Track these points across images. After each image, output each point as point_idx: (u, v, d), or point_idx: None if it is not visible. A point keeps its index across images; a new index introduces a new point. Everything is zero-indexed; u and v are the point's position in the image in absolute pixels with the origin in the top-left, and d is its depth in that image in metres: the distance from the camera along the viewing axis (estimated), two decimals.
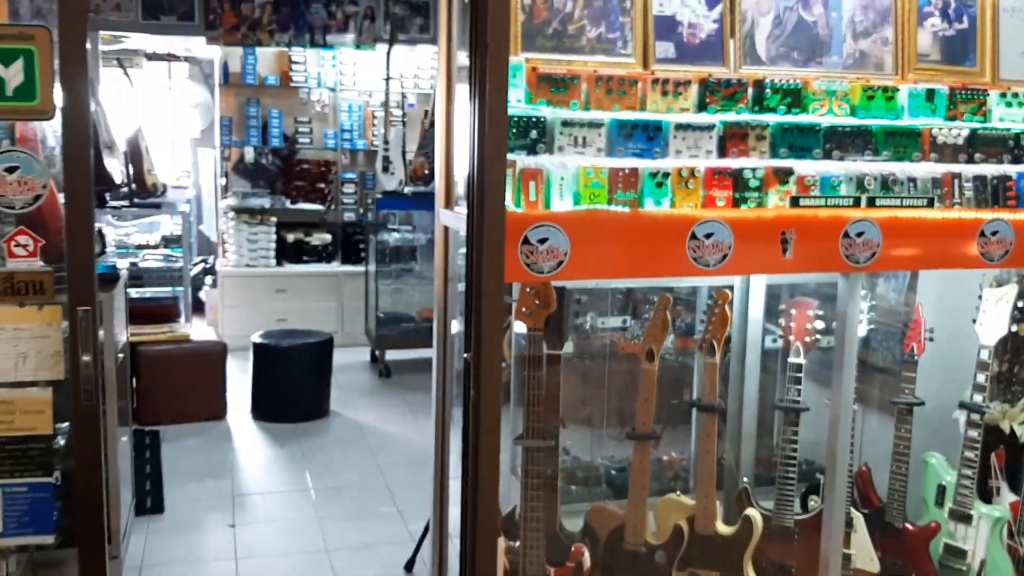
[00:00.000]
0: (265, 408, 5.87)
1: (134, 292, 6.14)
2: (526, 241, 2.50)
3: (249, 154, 7.87)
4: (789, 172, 2.72)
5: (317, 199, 8.09)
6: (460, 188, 3.03)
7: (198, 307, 8.35)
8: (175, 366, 5.69)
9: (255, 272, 7.67)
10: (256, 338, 5.92)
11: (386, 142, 7.04)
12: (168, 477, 4.64)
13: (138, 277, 6.34)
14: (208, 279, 8.44)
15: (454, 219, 2.97)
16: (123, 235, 6.74)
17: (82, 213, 2.22)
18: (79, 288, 2.24)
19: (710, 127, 2.78)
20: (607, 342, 3.61)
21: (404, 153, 7.07)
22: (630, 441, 3.09)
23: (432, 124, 7.01)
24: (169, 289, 6.69)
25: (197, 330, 6.23)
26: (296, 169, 8.10)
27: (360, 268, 7.82)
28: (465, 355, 2.51)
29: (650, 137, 2.73)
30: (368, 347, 7.51)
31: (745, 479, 3.36)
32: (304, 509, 4.52)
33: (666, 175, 2.67)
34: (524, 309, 2.78)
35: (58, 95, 2.23)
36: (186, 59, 8.79)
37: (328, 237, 7.99)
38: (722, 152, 2.79)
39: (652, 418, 3.06)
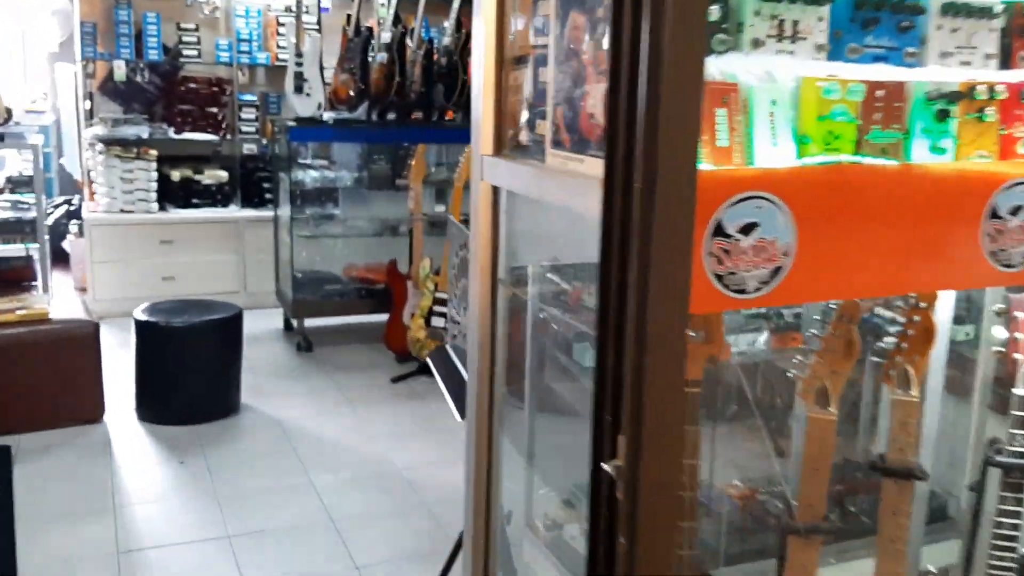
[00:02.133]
0: (154, 406, 4.48)
1: None
2: (719, 231, 1.24)
3: (120, 70, 6.27)
4: None
5: (208, 127, 6.56)
6: (534, 125, 1.75)
7: (61, 259, 6.78)
8: (31, 356, 4.23)
9: (132, 219, 6.15)
10: (140, 314, 4.48)
11: (299, 55, 5.57)
12: (22, 522, 3.24)
13: None
14: (73, 225, 6.86)
15: (530, 177, 1.66)
16: None
17: None
18: None
19: (991, 12, 1.55)
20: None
21: (322, 69, 5.62)
22: (787, 535, 1.90)
23: (357, 32, 5.57)
24: (20, 246, 5.18)
25: (59, 303, 4.75)
26: (180, 89, 6.54)
27: (265, 213, 6.37)
28: (606, 465, 1.26)
29: (903, 27, 1.49)
30: (280, 311, 6.13)
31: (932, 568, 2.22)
32: (221, 569, 3.21)
33: (955, 97, 1.43)
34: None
35: None
36: None
37: (224, 175, 6.50)
38: (1007, 59, 1.58)
39: (824, 499, 1.88)
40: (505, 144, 1.72)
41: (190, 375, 4.43)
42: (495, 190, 1.74)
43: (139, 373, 4.49)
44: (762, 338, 2.39)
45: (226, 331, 4.52)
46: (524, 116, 1.61)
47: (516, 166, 1.63)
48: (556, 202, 1.48)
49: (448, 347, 2.63)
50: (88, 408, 4.40)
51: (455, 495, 3.78)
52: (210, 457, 4.08)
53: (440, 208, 6.25)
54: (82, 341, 4.34)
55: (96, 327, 4.39)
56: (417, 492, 3.81)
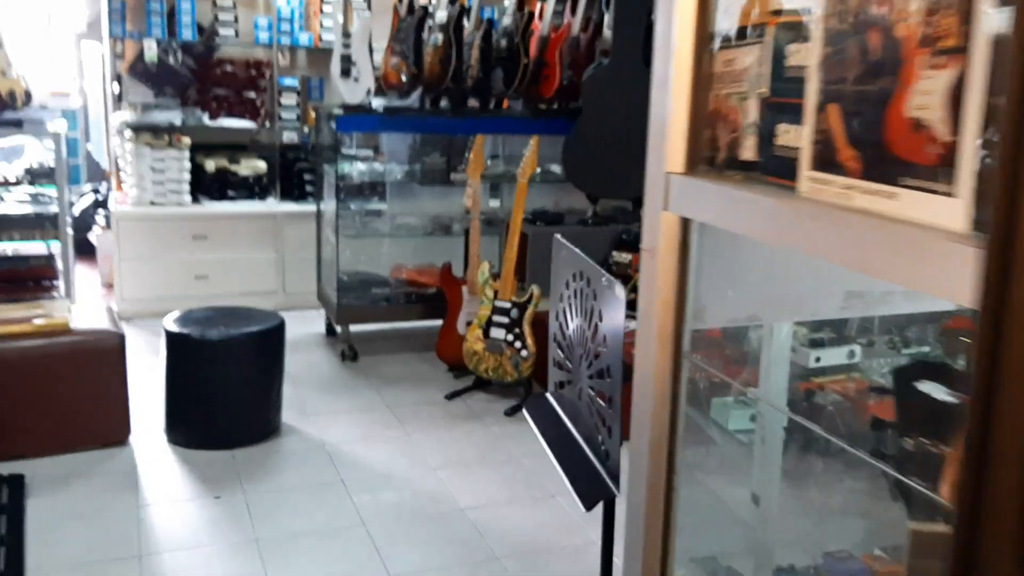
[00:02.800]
0: (186, 428, 4.01)
1: None
2: None
3: (151, 51, 5.79)
4: None
5: (246, 114, 6.08)
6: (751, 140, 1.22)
7: (86, 251, 6.35)
8: (49, 371, 3.77)
9: (163, 213, 5.68)
10: (170, 324, 4.00)
11: (346, 35, 5.05)
12: (34, 573, 2.80)
13: None
14: (101, 217, 6.42)
15: (767, 213, 1.13)
16: None
17: None
18: None
19: None
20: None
21: (371, 52, 5.11)
22: None
23: (410, 11, 5.06)
24: (41, 244, 4.72)
25: (83, 303, 4.28)
26: (216, 72, 6.06)
27: (306, 207, 5.89)
28: None
29: None
30: (321, 313, 5.65)
31: None
32: None
33: None
34: None
35: None
36: None
37: (262, 165, 6.02)
38: None
39: None
40: (702, 158, 1.20)
41: (226, 394, 3.96)
42: (685, 224, 1.22)
43: (169, 391, 4.02)
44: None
45: (267, 345, 4.03)
46: (751, 117, 1.10)
47: (732, 193, 1.11)
48: (822, 254, 0.97)
49: (550, 398, 2.12)
50: (112, 429, 3.94)
51: (530, 547, 3.29)
52: (249, 491, 3.60)
53: (495, 203, 5.74)
54: (106, 355, 3.87)
55: (122, 339, 3.92)
56: (486, 540, 3.31)
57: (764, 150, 1.09)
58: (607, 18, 5.46)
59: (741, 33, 1.12)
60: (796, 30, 1.02)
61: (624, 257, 4.90)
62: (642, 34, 4.95)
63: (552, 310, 2.18)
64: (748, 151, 1.11)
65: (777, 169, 1.06)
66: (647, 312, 1.25)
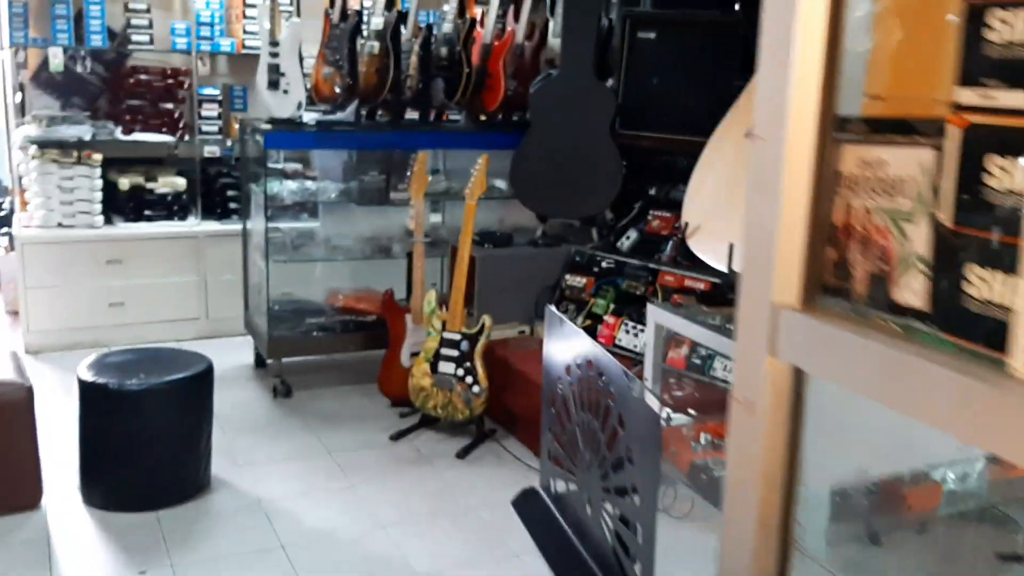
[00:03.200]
0: (105, 488, 3.58)
1: None
2: None
3: (56, 59, 5.30)
4: None
5: (162, 127, 5.61)
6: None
7: None
8: None
9: (73, 236, 5.21)
10: (84, 371, 3.57)
11: (274, 43, 4.65)
12: None
13: None
14: (3, 237, 5.91)
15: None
16: None
17: None
18: None
19: None
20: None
21: (301, 61, 4.71)
22: None
23: (343, 17, 4.68)
24: None
25: None
26: (129, 82, 5.58)
27: (231, 227, 5.46)
28: None
29: None
30: (248, 338, 5.23)
31: None
32: None
33: None
34: None
35: None
36: None
37: (181, 182, 5.56)
38: None
39: None
40: (822, 285, 0.88)
41: (149, 449, 3.54)
42: (799, 376, 0.91)
43: (84, 447, 3.59)
44: None
45: (193, 393, 3.63)
46: (916, 248, 0.77)
47: (887, 353, 0.77)
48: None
49: (544, 497, 1.80)
50: (21, 493, 3.50)
51: None
52: (177, 562, 3.20)
53: (436, 219, 5.40)
54: (12, 410, 3.43)
55: (30, 392, 3.48)
56: None
57: (942, 297, 0.78)
58: (553, 25, 5.16)
59: (896, 125, 0.82)
60: (1004, 136, 0.72)
61: (578, 281, 4.60)
62: (593, 43, 4.66)
63: (545, 390, 1.86)
64: (909, 293, 0.80)
65: (967, 329, 0.75)
66: (739, 484, 0.93)
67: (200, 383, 3.65)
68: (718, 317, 2.31)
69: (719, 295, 4.14)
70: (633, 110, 4.74)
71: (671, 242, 4.46)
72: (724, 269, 2.62)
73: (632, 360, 4.20)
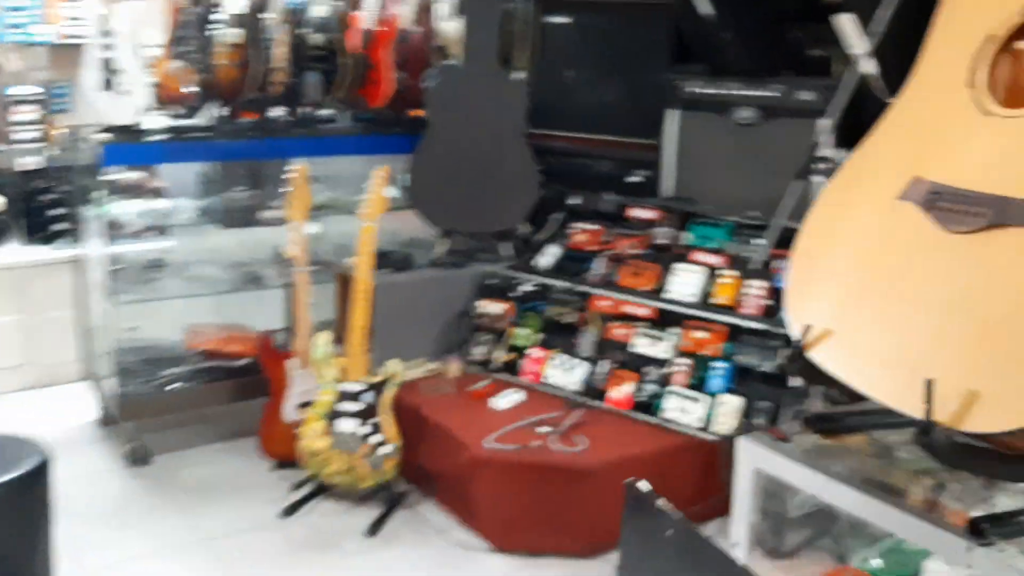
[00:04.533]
0: None
1: None
2: None
3: None
4: None
5: None
6: None
7: None
8: None
9: None
10: None
11: (107, 35, 3.75)
12: None
13: None
14: None
15: None
16: None
17: None
18: None
19: None
20: None
21: (142, 55, 3.83)
22: None
23: (194, 1, 3.85)
24: None
25: None
26: None
27: (60, 253, 4.51)
28: None
29: None
30: (85, 384, 4.32)
31: None
32: None
33: None
34: None
35: None
36: None
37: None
38: None
39: None
40: None
41: None
42: None
43: None
44: None
45: (26, 494, 2.76)
46: None
47: None
48: None
49: None
50: None
51: None
52: None
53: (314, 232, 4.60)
54: None
55: None
56: None
57: None
58: (440, 7, 4.45)
59: None
60: None
61: (494, 308, 3.93)
62: (497, 29, 3.99)
63: None
64: None
65: None
66: None
67: (33, 482, 2.77)
68: (860, 457, 1.60)
69: (668, 321, 3.57)
70: (545, 106, 4.11)
71: (598, 259, 3.86)
72: (891, 404, 1.61)
73: (564, 401, 3.58)
